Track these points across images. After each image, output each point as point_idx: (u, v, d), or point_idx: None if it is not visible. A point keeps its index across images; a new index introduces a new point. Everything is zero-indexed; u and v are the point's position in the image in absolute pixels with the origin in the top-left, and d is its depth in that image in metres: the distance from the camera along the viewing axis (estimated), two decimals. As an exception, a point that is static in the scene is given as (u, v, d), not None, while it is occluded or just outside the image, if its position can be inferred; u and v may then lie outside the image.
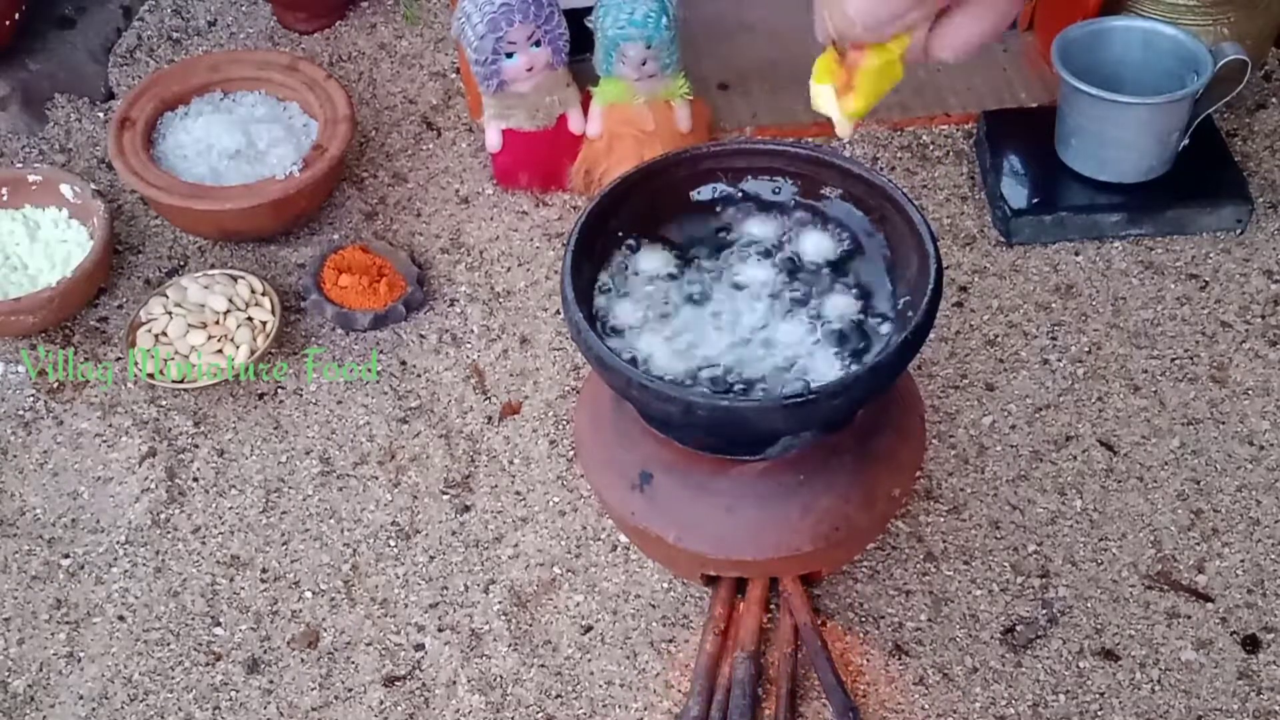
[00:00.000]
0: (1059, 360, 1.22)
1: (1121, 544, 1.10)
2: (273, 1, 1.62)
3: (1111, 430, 1.17)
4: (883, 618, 1.06)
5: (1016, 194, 1.32)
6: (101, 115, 1.52)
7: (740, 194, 0.95)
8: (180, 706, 1.04)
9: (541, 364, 1.25)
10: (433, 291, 1.32)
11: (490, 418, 1.22)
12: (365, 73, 1.56)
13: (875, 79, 0.42)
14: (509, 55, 1.27)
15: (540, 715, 1.02)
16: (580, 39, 1.31)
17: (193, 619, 1.09)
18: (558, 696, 1.03)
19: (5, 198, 1.33)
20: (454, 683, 1.04)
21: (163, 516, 1.16)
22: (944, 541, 1.10)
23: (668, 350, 0.87)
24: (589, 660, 1.05)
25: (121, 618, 1.10)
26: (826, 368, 0.85)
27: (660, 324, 0.88)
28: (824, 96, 0.43)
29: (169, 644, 1.08)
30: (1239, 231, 1.31)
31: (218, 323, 1.23)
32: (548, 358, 1.26)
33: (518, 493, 1.16)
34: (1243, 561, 1.08)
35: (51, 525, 1.16)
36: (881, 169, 1.39)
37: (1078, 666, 1.03)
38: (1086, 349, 1.23)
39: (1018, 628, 1.05)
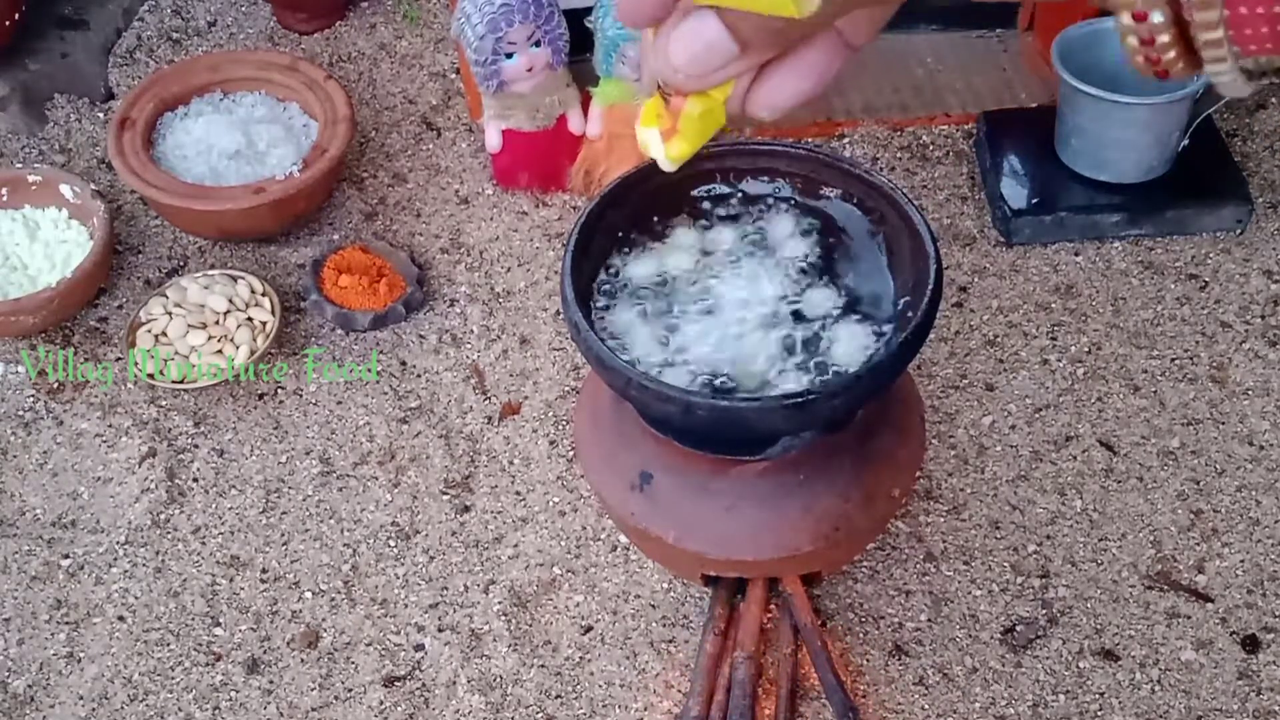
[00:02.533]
0: (1059, 360, 1.22)
1: (1121, 544, 1.10)
2: (273, 1, 1.62)
3: (1111, 430, 1.17)
4: (883, 618, 1.06)
5: (1016, 194, 1.32)
6: (101, 115, 1.52)
7: (740, 194, 0.95)
8: (180, 706, 1.04)
9: (541, 364, 1.25)
10: (433, 291, 1.32)
11: (490, 418, 1.22)
12: (365, 73, 1.55)
13: (699, 125, 0.44)
14: (509, 55, 1.27)
15: (540, 715, 1.02)
16: (580, 39, 1.31)
17: (193, 619, 1.09)
18: (558, 696, 1.03)
19: (5, 198, 1.33)
20: (454, 683, 1.04)
21: (163, 517, 1.16)
22: (944, 541, 1.10)
23: (664, 349, 0.87)
24: (589, 660, 1.05)
25: (121, 618, 1.10)
26: (828, 371, 0.85)
27: (656, 324, 0.89)
28: (650, 141, 0.45)
29: (169, 644, 1.08)
30: (1239, 231, 1.31)
31: (218, 323, 1.23)
32: (548, 358, 1.26)
33: (518, 493, 1.16)
34: (1243, 561, 1.08)
35: (51, 525, 1.16)
36: (881, 169, 1.39)
37: (1078, 666, 1.03)
38: (1086, 349, 1.23)
39: (1018, 628, 1.05)
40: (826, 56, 0.41)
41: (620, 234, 0.93)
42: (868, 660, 1.03)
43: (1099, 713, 1.00)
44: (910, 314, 0.84)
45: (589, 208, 0.90)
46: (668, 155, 0.45)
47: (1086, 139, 1.29)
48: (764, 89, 0.42)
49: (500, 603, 1.09)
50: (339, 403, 1.23)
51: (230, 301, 1.24)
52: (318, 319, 1.29)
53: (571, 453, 1.18)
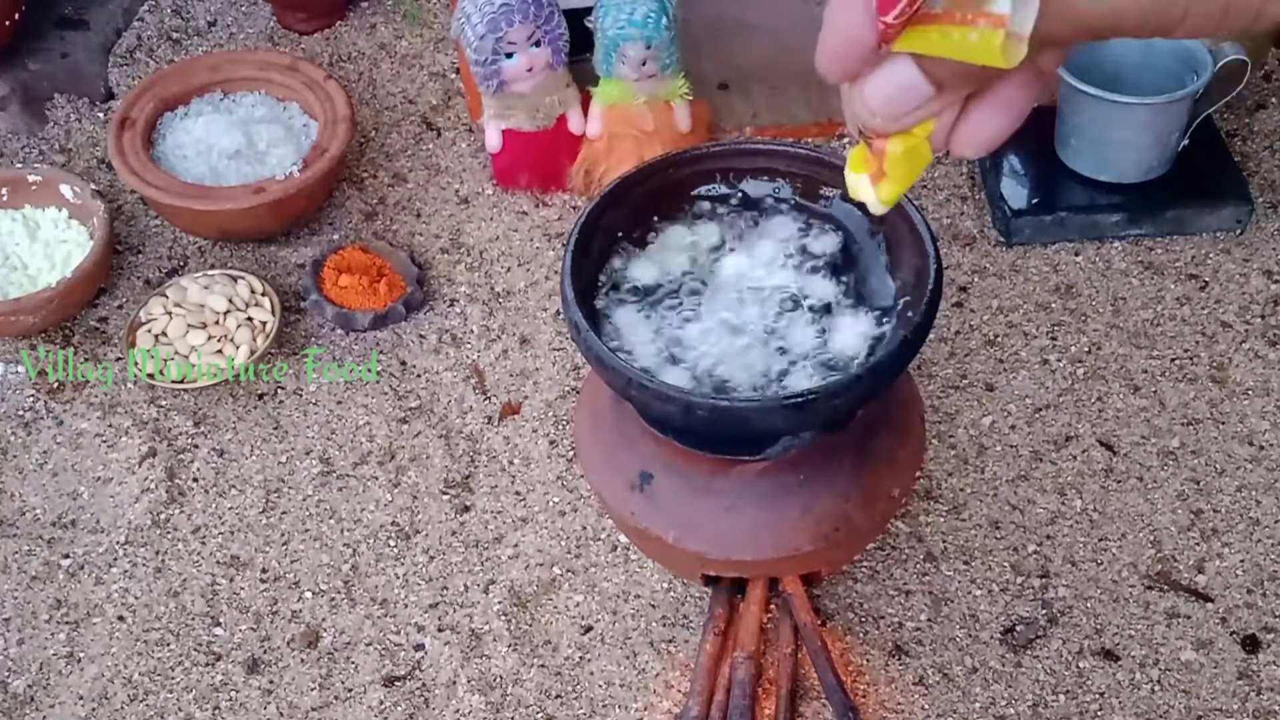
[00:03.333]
0: (1059, 360, 1.22)
1: (1121, 544, 1.10)
2: (273, 1, 1.62)
3: (1111, 430, 1.17)
4: (883, 618, 1.06)
5: (1016, 194, 1.32)
6: (101, 115, 1.52)
7: (740, 194, 0.95)
8: (180, 706, 1.04)
9: (541, 364, 1.25)
10: (433, 291, 1.32)
11: (490, 418, 1.22)
12: (365, 73, 1.55)
13: (904, 164, 0.44)
14: (509, 55, 1.27)
15: (540, 715, 1.02)
16: (580, 39, 1.31)
17: (193, 619, 1.09)
18: (558, 696, 1.03)
19: (5, 198, 1.33)
20: (454, 683, 1.04)
21: (163, 516, 1.16)
22: (944, 541, 1.10)
23: (664, 349, 0.87)
24: (589, 660, 1.05)
25: (121, 618, 1.10)
26: (826, 371, 0.85)
27: (656, 324, 0.89)
28: (859, 185, 0.46)
29: (169, 644, 1.08)
30: (1239, 231, 1.31)
31: (218, 323, 1.23)
32: (548, 358, 1.26)
33: (518, 493, 1.16)
34: (1243, 561, 1.08)
35: (51, 525, 1.16)
36: (881, 169, 1.38)
37: (1078, 666, 1.03)
38: (1086, 349, 1.23)
39: (1018, 628, 1.05)
40: (1024, 90, 0.42)
41: (620, 234, 0.93)
42: (868, 660, 1.03)
43: (1099, 713, 1.00)
44: (910, 314, 0.85)
45: (589, 208, 0.90)
46: (879, 199, 0.45)
47: (1086, 139, 1.29)
48: (966, 128, 0.42)
49: (500, 603, 1.09)
50: (339, 403, 1.24)
51: (230, 301, 1.24)
52: (318, 319, 1.29)
53: (571, 453, 1.18)
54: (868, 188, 0.45)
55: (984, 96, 0.42)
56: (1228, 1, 0.38)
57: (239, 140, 1.34)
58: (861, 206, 0.46)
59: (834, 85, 0.42)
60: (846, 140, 1.41)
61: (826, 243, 0.92)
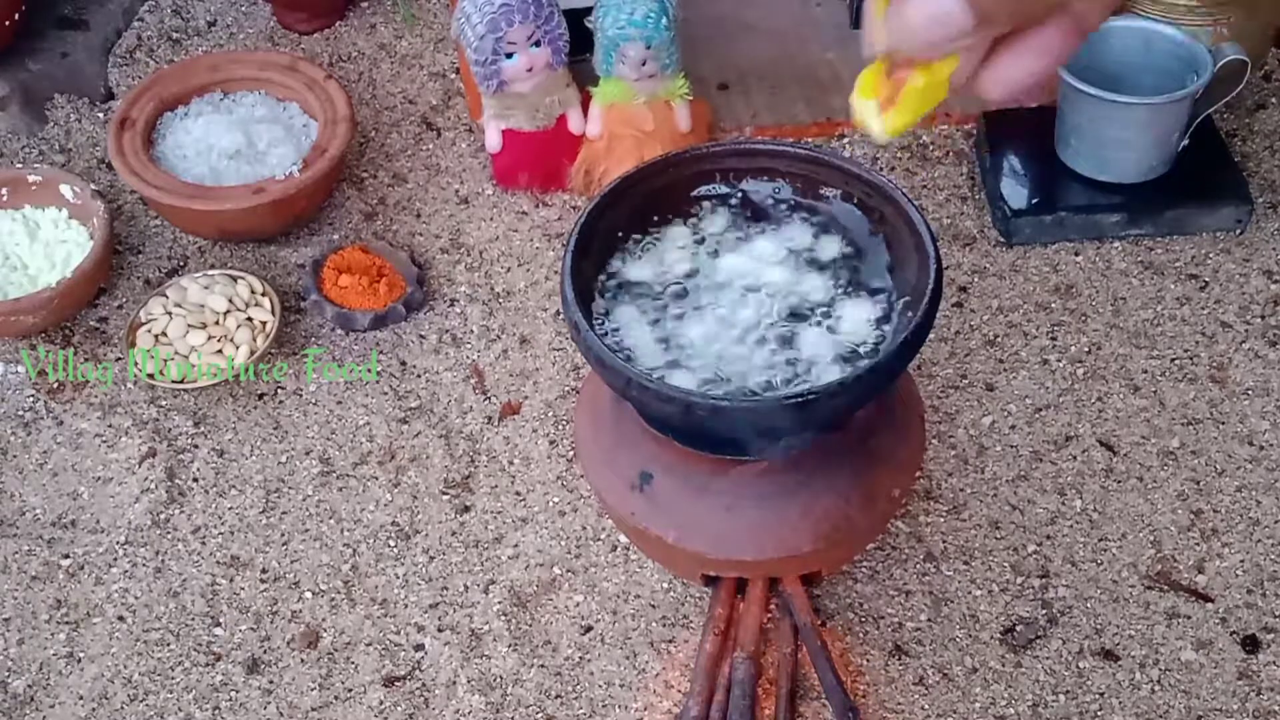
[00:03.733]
0: (1059, 360, 1.22)
1: (1121, 544, 1.10)
2: (273, 1, 1.62)
3: (1111, 430, 1.17)
4: (883, 618, 1.06)
5: (1016, 194, 1.32)
6: (101, 115, 1.52)
7: (740, 194, 0.95)
8: (180, 706, 1.04)
9: (541, 364, 1.25)
10: (433, 291, 1.32)
11: (490, 418, 1.22)
12: (365, 73, 1.56)
13: (920, 98, 0.44)
14: (509, 55, 1.27)
15: (540, 715, 1.02)
16: (580, 39, 1.31)
17: (193, 619, 1.09)
18: (558, 696, 1.03)
19: (5, 198, 1.33)
20: (454, 683, 1.04)
21: (163, 516, 1.16)
22: (944, 541, 1.10)
23: (664, 349, 0.87)
24: (589, 660, 1.05)
25: (121, 618, 1.10)
26: (828, 370, 0.85)
27: (656, 324, 0.89)
28: (866, 111, 0.46)
29: (169, 644, 1.08)
30: (1239, 231, 1.31)
31: (218, 323, 1.23)
32: (548, 358, 1.26)
33: (518, 493, 1.16)
34: (1243, 561, 1.08)
35: (51, 525, 1.16)
36: (881, 169, 1.39)
37: (1078, 666, 1.03)
38: (1086, 349, 1.23)
39: (1018, 628, 1.05)
40: (1061, 38, 0.41)
41: (620, 234, 0.93)
42: (868, 660, 1.03)
43: (1099, 713, 1.00)
44: (910, 314, 0.85)
45: (589, 208, 0.90)
46: (885, 128, 0.45)
47: (1086, 139, 1.29)
48: (998, 66, 0.42)
49: (500, 603, 1.09)
50: (339, 403, 1.24)
51: (230, 301, 1.24)
52: (318, 319, 1.29)
53: (571, 453, 1.18)
54: (875, 114, 0.45)
55: (1019, 38, 0.41)
56: None
57: (239, 140, 1.34)
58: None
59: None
60: (846, 139, 1.41)
61: (827, 242, 0.92)
